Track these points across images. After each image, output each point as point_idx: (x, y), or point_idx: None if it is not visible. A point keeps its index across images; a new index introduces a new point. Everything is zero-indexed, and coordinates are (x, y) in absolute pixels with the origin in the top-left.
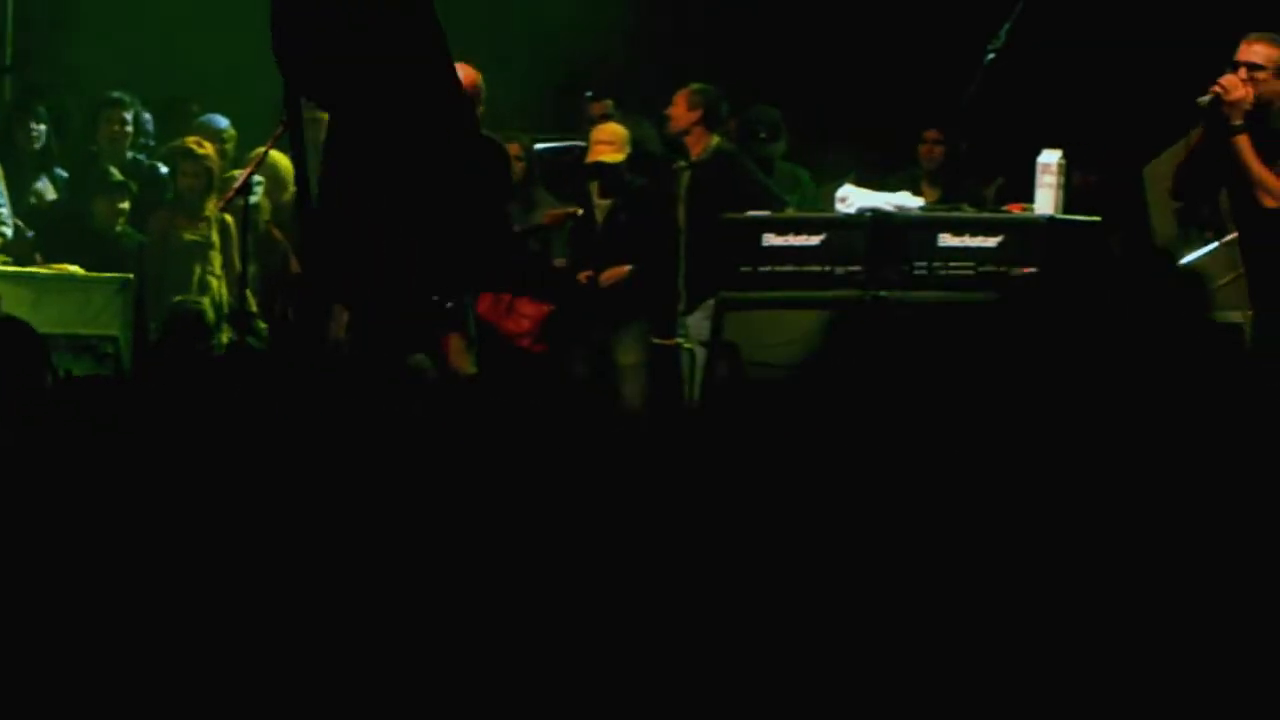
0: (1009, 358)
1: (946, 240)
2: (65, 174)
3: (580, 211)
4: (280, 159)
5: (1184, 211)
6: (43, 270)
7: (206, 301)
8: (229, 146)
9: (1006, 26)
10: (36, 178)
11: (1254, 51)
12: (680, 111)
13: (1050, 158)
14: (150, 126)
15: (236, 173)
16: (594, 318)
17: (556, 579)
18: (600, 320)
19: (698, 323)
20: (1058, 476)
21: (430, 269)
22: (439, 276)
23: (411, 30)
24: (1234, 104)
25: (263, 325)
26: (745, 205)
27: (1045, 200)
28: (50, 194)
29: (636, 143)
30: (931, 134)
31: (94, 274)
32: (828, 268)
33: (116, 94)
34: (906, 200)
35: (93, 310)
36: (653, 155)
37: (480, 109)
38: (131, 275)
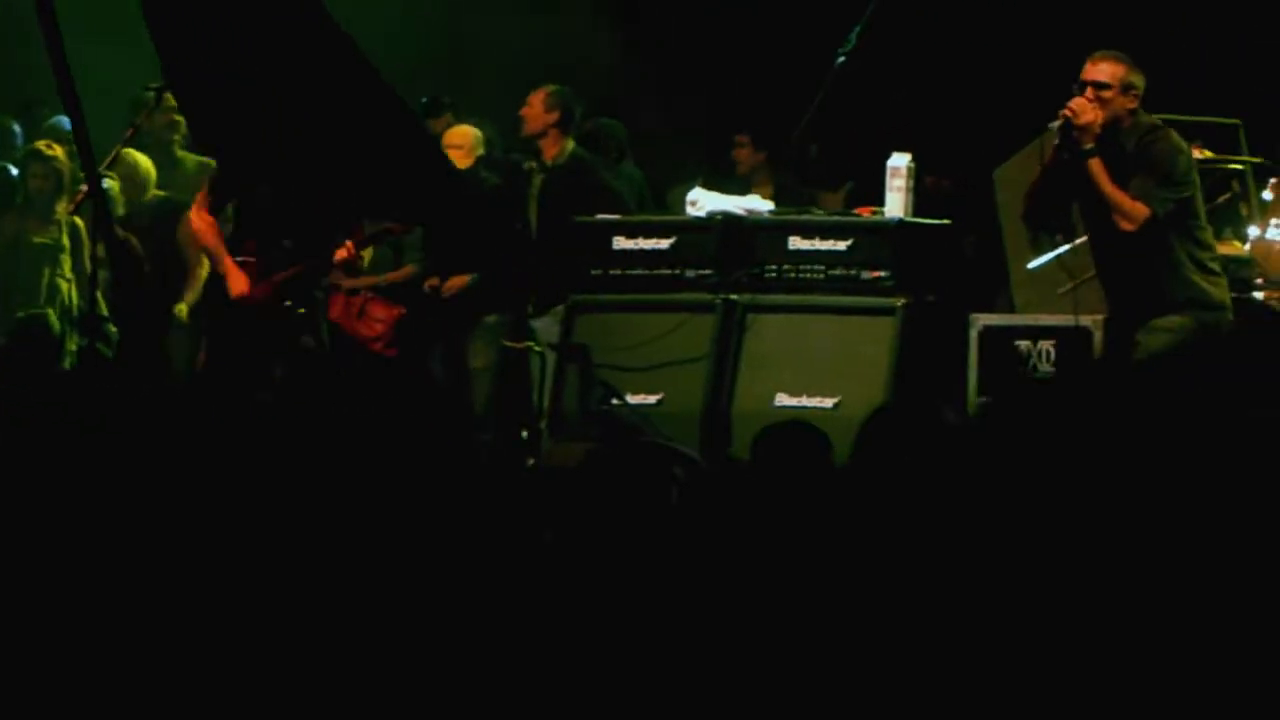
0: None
1: (796, 243)
2: None
3: None
4: (138, 158)
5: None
6: None
7: (52, 314)
8: None
9: (856, 30)
10: None
11: (1100, 70)
12: (536, 112)
13: (900, 161)
14: (19, 140)
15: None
16: (446, 321)
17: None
18: (452, 324)
19: (547, 326)
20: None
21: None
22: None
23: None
24: (1084, 128)
25: (113, 329)
26: (596, 212)
27: (895, 203)
28: None
29: (489, 142)
30: (741, 138)
31: None
32: (678, 271)
33: None
34: (757, 204)
35: None
36: (505, 157)
37: None
38: None
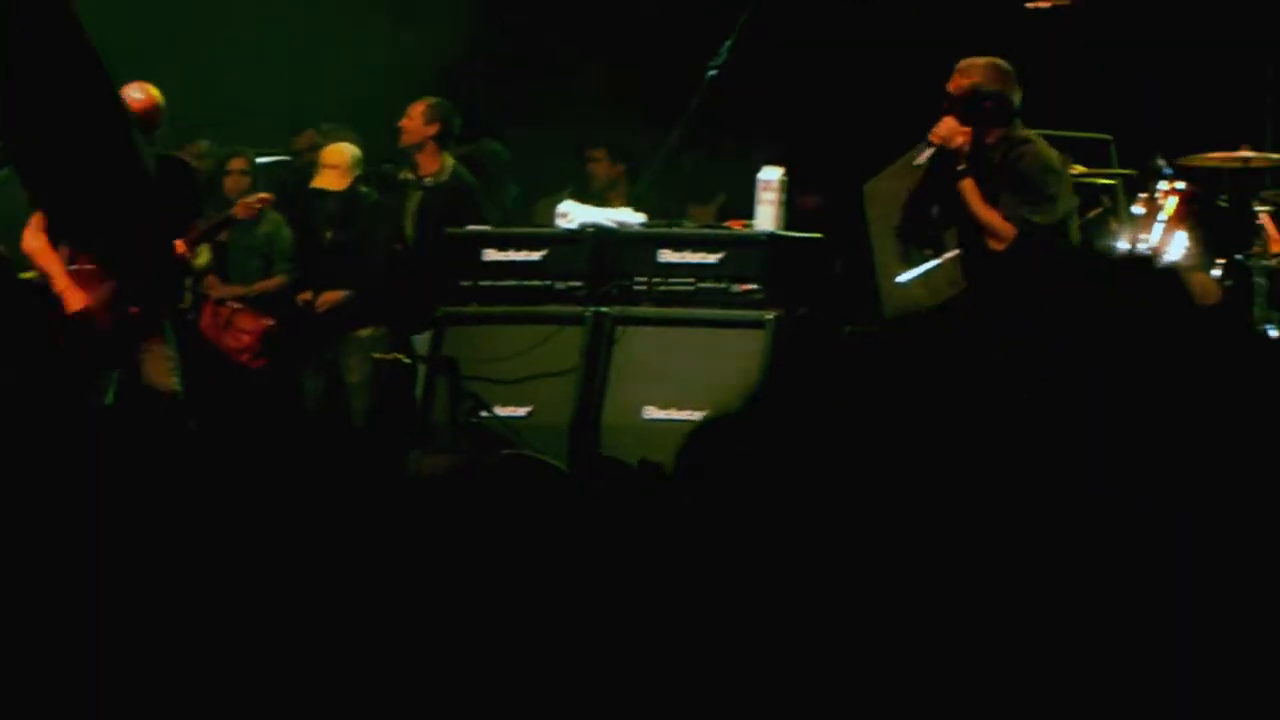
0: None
1: (667, 256)
2: None
3: (272, 196)
4: None
5: (904, 229)
6: None
7: None
8: None
9: (728, 43)
10: None
11: (964, 80)
12: (415, 125)
13: (771, 175)
14: None
15: None
16: (321, 335)
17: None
18: (327, 338)
19: (425, 340)
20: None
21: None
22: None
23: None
24: (955, 152)
25: None
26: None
27: (766, 217)
28: None
29: (366, 161)
30: (597, 152)
31: None
32: (548, 283)
33: None
34: (628, 216)
35: None
36: (382, 171)
37: (160, 129)
38: None
